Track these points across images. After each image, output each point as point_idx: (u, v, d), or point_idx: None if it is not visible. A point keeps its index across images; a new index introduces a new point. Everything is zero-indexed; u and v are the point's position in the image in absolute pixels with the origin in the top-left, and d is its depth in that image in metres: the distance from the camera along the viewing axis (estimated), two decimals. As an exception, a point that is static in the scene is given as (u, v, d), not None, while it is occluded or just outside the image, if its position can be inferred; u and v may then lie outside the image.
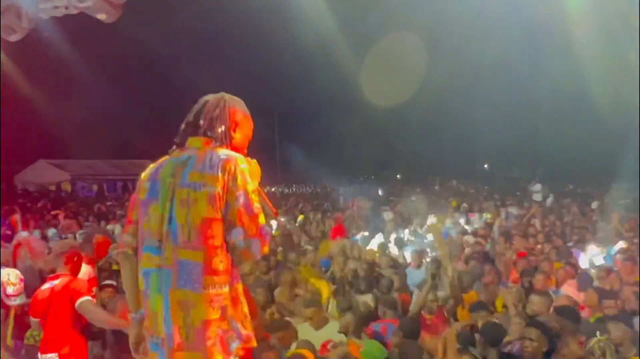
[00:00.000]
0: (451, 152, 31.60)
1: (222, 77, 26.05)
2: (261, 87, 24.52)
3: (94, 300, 3.93)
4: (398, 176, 34.69)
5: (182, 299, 2.08)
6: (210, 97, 2.32)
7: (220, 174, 2.09)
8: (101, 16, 5.70)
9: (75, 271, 3.98)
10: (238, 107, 2.32)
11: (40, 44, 13.01)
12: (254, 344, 2.24)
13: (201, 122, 2.25)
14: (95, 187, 28.24)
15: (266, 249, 2.20)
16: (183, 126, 2.30)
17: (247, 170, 2.16)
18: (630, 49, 15.86)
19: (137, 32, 18.55)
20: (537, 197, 17.57)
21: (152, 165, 2.28)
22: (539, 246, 8.39)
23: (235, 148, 2.27)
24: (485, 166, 37.46)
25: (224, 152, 2.17)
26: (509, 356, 4.06)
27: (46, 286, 3.91)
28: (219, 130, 2.24)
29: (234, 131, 2.28)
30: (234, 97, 2.36)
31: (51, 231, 10.44)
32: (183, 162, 2.17)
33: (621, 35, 15.86)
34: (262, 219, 2.16)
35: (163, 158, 2.28)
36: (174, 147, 2.28)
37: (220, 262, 2.11)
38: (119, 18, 5.80)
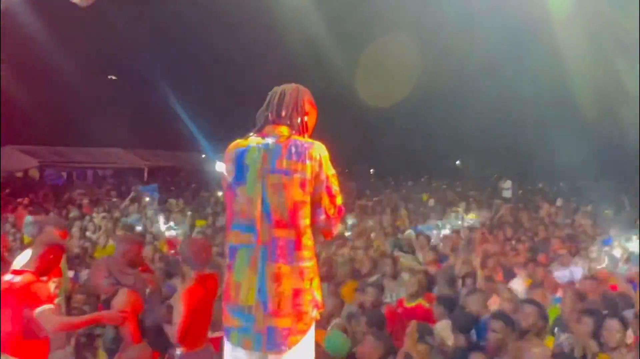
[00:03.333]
0: (424, 148, 31.88)
1: (202, 69, 25.80)
2: (244, 81, 24.31)
3: (55, 307, 3.73)
4: (371, 170, 34.88)
5: (276, 272, 2.34)
6: (286, 88, 2.55)
7: (308, 162, 2.36)
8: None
9: (42, 271, 3.74)
10: (308, 98, 2.57)
11: (10, 26, 12.65)
12: (322, 309, 2.53)
13: (283, 112, 2.48)
14: (64, 175, 27.70)
15: (339, 228, 2.59)
16: (263, 114, 2.53)
17: (327, 157, 2.44)
18: (609, 50, 16.28)
19: (115, 19, 18.18)
20: (507, 194, 17.96)
21: (232, 148, 2.49)
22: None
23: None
24: (457, 162, 37.96)
25: (307, 141, 2.44)
26: (477, 343, 4.20)
27: (7, 278, 3.66)
28: (298, 120, 2.49)
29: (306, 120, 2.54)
30: (304, 88, 2.59)
31: (27, 219, 10.21)
32: (268, 149, 2.40)
33: (601, 37, 16.25)
34: (339, 200, 2.47)
35: (241, 142, 2.49)
36: (252, 132, 2.51)
37: (309, 239, 2.41)
38: (95, 2, 5.69)
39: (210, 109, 25.57)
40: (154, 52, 23.15)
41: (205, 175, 24.20)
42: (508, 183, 18.92)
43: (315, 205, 2.42)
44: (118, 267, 4.40)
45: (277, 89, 2.57)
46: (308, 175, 2.36)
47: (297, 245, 2.37)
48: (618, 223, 10.99)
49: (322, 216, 2.44)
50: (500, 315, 4.17)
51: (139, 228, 10.42)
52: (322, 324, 4.66)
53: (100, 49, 23.24)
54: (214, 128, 23.63)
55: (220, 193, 15.40)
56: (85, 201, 15.30)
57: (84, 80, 23.85)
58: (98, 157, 28.81)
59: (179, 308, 3.69)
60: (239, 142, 2.50)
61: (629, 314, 4.66)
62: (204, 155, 30.12)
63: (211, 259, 4.36)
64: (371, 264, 6.84)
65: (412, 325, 4.13)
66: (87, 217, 11.63)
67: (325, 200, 2.42)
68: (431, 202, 15.37)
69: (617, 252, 7.48)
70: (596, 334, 4.16)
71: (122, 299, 3.84)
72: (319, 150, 2.42)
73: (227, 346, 2.48)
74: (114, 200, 16.23)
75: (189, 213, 12.29)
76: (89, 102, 25.61)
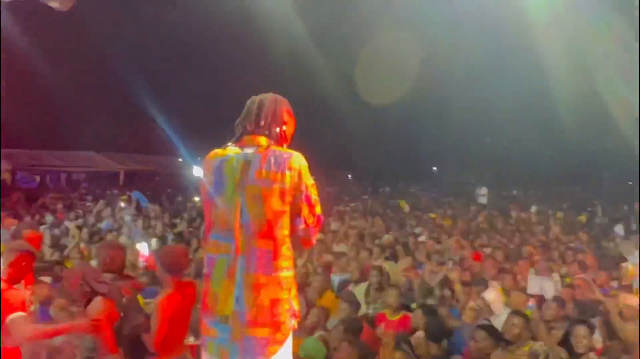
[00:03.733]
0: (401, 154, 32.14)
1: (179, 73, 25.60)
2: (221, 85, 24.18)
3: (28, 315, 3.61)
4: (349, 176, 35.00)
5: (255, 282, 2.33)
6: (264, 98, 2.54)
7: (287, 172, 2.36)
8: (53, 3, 5.51)
9: (15, 278, 3.63)
10: (286, 107, 2.57)
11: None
12: (300, 318, 2.54)
13: (262, 122, 2.48)
14: (37, 178, 27.15)
15: (317, 236, 2.55)
16: (241, 124, 2.52)
17: (306, 167, 2.44)
18: (589, 60, 16.61)
19: (93, 23, 17.95)
20: (483, 200, 18.20)
21: (211, 157, 2.48)
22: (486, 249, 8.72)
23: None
24: (434, 169, 38.35)
25: (286, 152, 2.44)
26: (449, 351, 4.26)
27: None
28: (276, 130, 2.50)
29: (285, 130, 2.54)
30: (282, 98, 2.58)
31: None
32: (247, 160, 2.40)
33: (580, 48, 16.59)
34: (318, 209, 2.46)
35: (219, 152, 2.47)
36: (230, 142, 2.51)
37: (288, 249, 2.41)
38: (73, 6, 5.62)
39: (187, 112, 25.40)
40: (131, 55, 22.92)
41: (181, 179, 24.00)
42: (484, 190, 19.17)
43: (295, 214, 2.41)
44: (93, 275, 4.33)
45: (255, 99, 2.55)
46: (287, 185, 2.36)
47: (276, 255, 2.36)
48: (591, 230, 11.26)
49: (302, 226, 2.43)
50: (484, 326, 4.21)
51: (114, 233, 10.28)
52: (305, 335, 4.66)
53: (77, 52, 22.93)
54: (190, 132, 23.47)
55: (197, 199, 15.29)
56: (59, 206, 15.03)
57: (59, 83, 23.46)
58: (72, 161, 28.32)
59: (156, 316, 3.65)
60: (217, 152, 2.49)
61: (595, 320, 4.74)
62: (180, 159, 29.88)
63: (189, 266, 4.33)
64: (359, 272, 6.85)
65: (389, 334, 4.16)
66: (63, 223, 11.46)
67: (305, 210, 2.42)
68: (407, 208, 15.47)
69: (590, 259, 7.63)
70: (566, 341, 4.22)
71: (96, 308, 3.78)
72: (298, 161, 2.42)
73: (205, 356, 2.46)
74: (88, 204, 15.98)
75: (164, 220, 12.14)
76: (62, 105, 25.19)
